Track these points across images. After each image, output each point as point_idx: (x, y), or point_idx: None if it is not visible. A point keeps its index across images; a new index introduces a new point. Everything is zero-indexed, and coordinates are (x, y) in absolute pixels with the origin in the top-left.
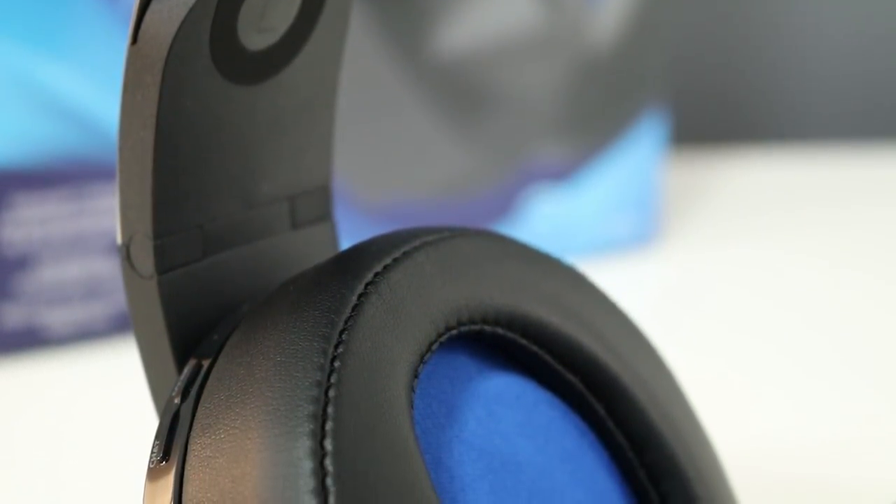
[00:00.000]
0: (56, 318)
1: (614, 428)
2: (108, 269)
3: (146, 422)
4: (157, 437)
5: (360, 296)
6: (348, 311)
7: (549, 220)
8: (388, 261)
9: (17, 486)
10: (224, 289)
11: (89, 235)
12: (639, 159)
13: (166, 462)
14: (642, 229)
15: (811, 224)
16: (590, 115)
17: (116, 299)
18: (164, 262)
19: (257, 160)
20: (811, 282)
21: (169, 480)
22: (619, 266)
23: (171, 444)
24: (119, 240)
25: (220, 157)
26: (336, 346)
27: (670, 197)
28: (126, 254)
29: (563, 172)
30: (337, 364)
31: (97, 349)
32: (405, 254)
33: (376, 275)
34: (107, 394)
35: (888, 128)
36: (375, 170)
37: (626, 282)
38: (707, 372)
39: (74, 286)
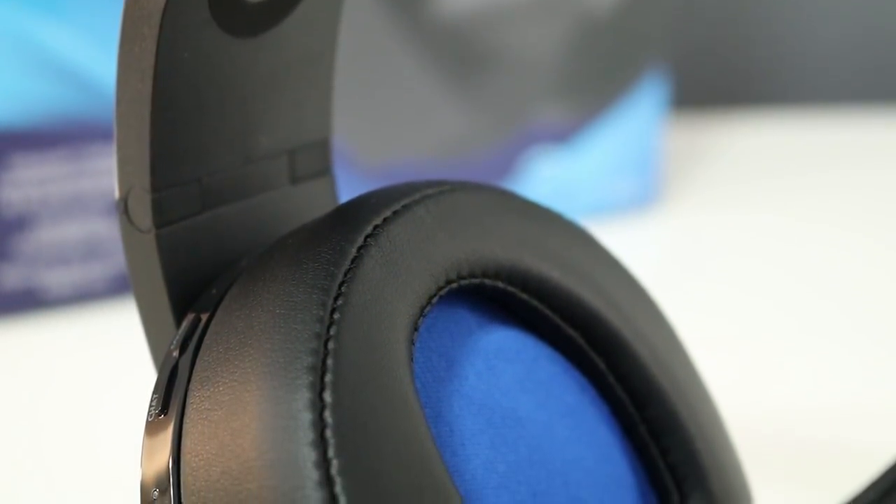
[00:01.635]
0: (54, 279)
1: (615, 383)
2: (107, 229)
3: (145, 382)
4: (155, 391)
5: (360, 248)
6: (347, 263)
7: (549, 182)
8: (387, 213)
9: (17, 447)
10: (223, 243)
11: (88, 196)
12: (639, 122)
13: (165, 415)
14: (642, 192)
15: (812, 187)
16: (590, 78)
17: (115, 260)
18: (162, 216)
19: (256, 114)
20: (811, 244)
21: (167, 433)
22: (619, 228)
23: (169, 398)
24: (117, 194)
25: (219, 110)
26: (335, 299)
27: (671, 160)
28: (124, 208)
29: (563, 134)
30: (336, 316)
31: (96, 310)
32: (405, 207)
33: (376, 227)
34: (106, 355)
35: (890, 91)
36: (375, 131)
37: (625, 244)
38: (706, 334)
39: (73, 247)
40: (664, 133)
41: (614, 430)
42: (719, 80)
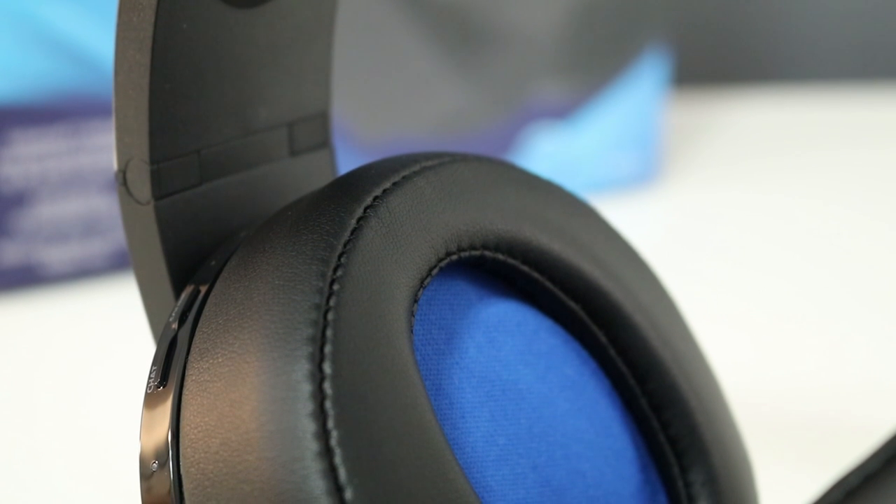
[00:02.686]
0: (54, 255)
1: (616, 356)
2: (106, 206)
3: (144, 357)
4: (154, 363)
5: (360, 219)
6: (347, 234)
7: (549, 159)
8: (387, 185)
9: (16, 423)
10: (222, 215)
11: (87, 172)
12: (640, 98)
13: (164, 387)
14: (643, 168)
15: (812, 164)
16: (591, 54)
17: (114, 237)
18: (161, 188)
19: (255, 86)
20: (811, 221)
21: (167, 405)
22: (619, 204)
23: (168, 370)
24: (115, 165)
25: (218, 81)
26: (335, 270)
27: (672, 137)
28: (123, 179)
29: (564, 111)
30: (336, 287)
31: (95, 286)
32: (405, 178)
33: (375, 199)
34: (105, 330)
35: (892, 68)
36: (375, 107)
37: (625, 220)
38: (705, 310)
39: (72, 223)
40: (665, 110)
41: (615, 403)
42: (720, 57)
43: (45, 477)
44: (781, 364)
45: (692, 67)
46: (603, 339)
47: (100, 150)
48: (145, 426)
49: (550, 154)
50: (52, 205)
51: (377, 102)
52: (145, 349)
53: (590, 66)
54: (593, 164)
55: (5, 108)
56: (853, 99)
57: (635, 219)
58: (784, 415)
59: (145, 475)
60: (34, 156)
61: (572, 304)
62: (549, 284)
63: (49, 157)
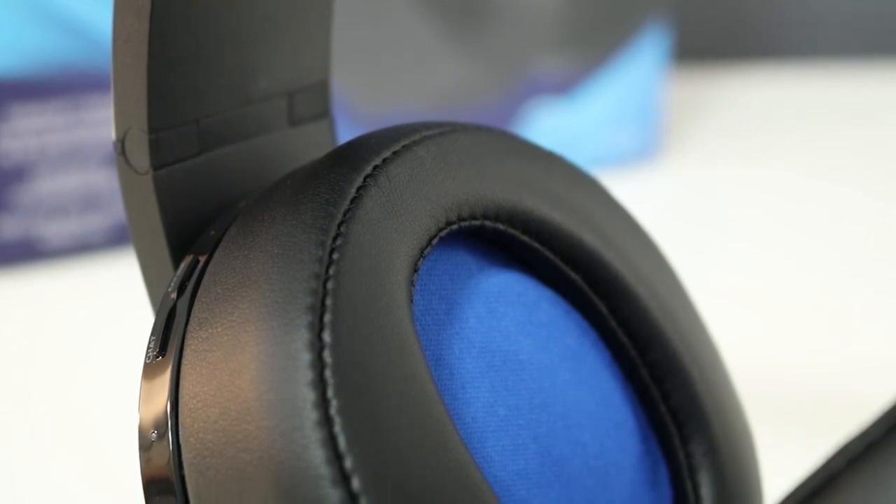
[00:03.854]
0: (53, 229)
1: (616, 326)
2: (106, 180)
3: (143, 332)
4: (153, 333)
5: (359, 188)
6: (347, 203)
7: (549, 134)
8: (387, 154)
9: (15, 396)
10: (221, 186)
11: (86, 146)
12: (640, 73)
13: (163, 357)
14: (643, 144)
15: (813, 141)
16: (592, 28)
17: (113, 211)
18: (160, 157)
19: (254, 55)
20: (812, 198)
21: (165, 375)
22: (620, 180)
23: (167, 340)
24: (114, 135)
25: (217, 50)
26: (334, 239)
27: (672, 113)
28: (121, 149)
29: (564, 86)
30: (335, 256)
31: (94, 261)
32: (405, 147)
33: (375, 167)
34: (104, 305)
35: (893, 45)
36: (375, 81)
37: (626, 195)
38: (704, 286)
39: (71, 198)
40: (665, 85)
41: (615, 374)
42: (721, 33)
43: (44, 451)
44: (782, 338)
45: (693, 43)
46: (603, 309)
47: (99, 124)
48: (144, 397)
49: (550, 129)
50: (52, 179)
51: (377, 76)
52: (145, 323)
53: (590, 42)
54: (593, 139)
55: (4, 82)
56: (855, 75)
57: (635, 194)
58: (785, 389)
59: (144, 446)
60: (33, 130)
61: (573, 275)
62: (549, 254)
63: (48, 131)
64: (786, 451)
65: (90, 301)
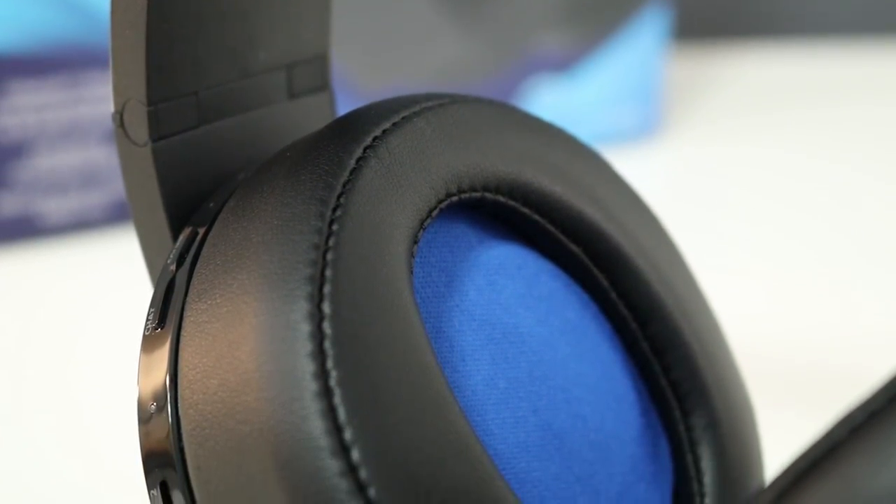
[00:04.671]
0: (52, 206)
1: (617, 299)
2: (105, 157)
3: (142, 309)
4: (152, 305)
5: (359, 160)
6: (346, 174)
7: (550, 111)
8: (387, 125)
9: (15, 374)
10: (220, 158)
11: (86, 123)
12: (641, 51)
13: (162, 329)
14: (643, 122)
15: (814, 121)
16: (592, 6)
17: (113, 188)
18: (159, 129)
19: (254, 27)
20: (813, 178)
21: (164, 347)
22: (620, 157)
23: (166, 311)
24: (113, 107)
25: (216, 22)
26: (334, 210)
27: (673, 91)
28: (120, 121)
29: (564, 63)
30: (335, 227)
31: (93, 238)
32: (405, 118)
33: (375, 139)
34: (103, 282)
35: (894, 23)
36: (374, 58)
37: (626, 173)
38: (704, 261)
39: (71, 175)
40: (666, 64)
41: (616, 347)
42: (723, 11)
43: (43, 429)
44: (782, 314)
45: (694, 21)
46: (604, 282)
47: (98, 100)
48: (143, 369)
49: (550, 106)
50: (51, 156)
51: (377, 52)
52: (144, 300)
53: (591, 19)
54: (593, 116)
55: (3, 59)
56: (856, 54)
57: (635, 172)
58: (786, 364)
59: (143, 419)
60: (32, 106)
61: (573, 247)
62: (550, 227)
63: (47, 107)
64: (786, 425)
65: (89, 278)
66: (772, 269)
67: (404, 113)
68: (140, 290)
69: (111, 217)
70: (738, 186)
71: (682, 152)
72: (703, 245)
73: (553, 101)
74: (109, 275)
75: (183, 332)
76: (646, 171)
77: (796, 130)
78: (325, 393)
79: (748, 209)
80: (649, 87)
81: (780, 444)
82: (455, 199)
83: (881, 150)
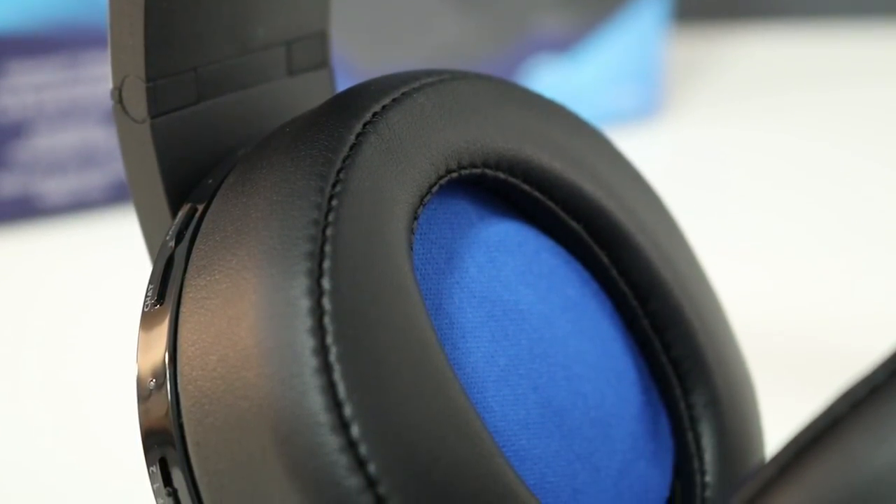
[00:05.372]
0: (51, 186)
1: (618, 276)
2: (104, 137)
3: (142, 289)
4: (150, 281)
5: (359, 135)
6: (346, 150)
7: (550, 92)
8: (386, 101)
9: (14, 353)
10: (219, 135)
11: (85, 103)
12: (641, 31)
13: (161, 305)
14: (644, 102)
15: (816, 103)
16: None
17: (112, 168)
18: (158, 106)
19: (253, 3)
20: (813, 160)
21: (164, 324)
22: (620, 138)
23: (165, 288)
24: (111, 83)
25: None
26: (333, 185)
27: (674, 72)
28: (118, 97)
29: (565, 43)
30: (334, 203)
31: (92, 218)
32: (404, 94)
33: (375, 115)
34: (102, 262)
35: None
36: (374, 38)
37: (626, 154)
38: (704, 243)
39: (69, 155)
40: (667, 44)
41: (616, 324)
42: None
43: (42, 408)
44: (782, 294)
45: (696, 2)
46: (605, 259)
47: (97, 80)
48: (142, 346)
49: (551, 87)
50: (50, 136)
51: (376, 33)
52: (143, 280)
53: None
54: (594, 97)
55: (2, 38)
56: (857, 36)
57: (635, 153)
58: (786, 344)
59: (143, 396)
60: (31, 86)
61: (574, 224)
62: (550, 204)
63: (46, 87)
64: (784, 405)
65: (88, 258)
66: (771, 251)
67: (404, 89)
68: (139, 271)
69: (110, 197)
70: (739, 168)
71: (682, 134)
72: (702, 227)
73: (553, 82)
74: (108, 255)
75: (182, 309)
76: (646, 152)
77: (797, 112)
78: (325, 369)
79: (748, 191)
80: (650, 68)
81: (778, 423)
82: (455, 175)
83: (883, 132)
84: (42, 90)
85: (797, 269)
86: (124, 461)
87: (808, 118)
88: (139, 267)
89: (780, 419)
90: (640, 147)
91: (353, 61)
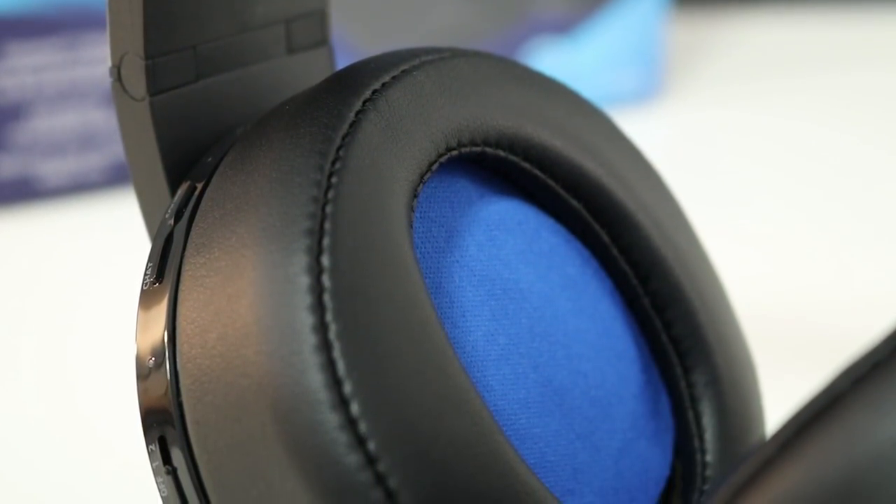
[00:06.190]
0: (50, 168)
1: (618, 255)
2: (103, 119)
3: (141, 271)
4: (149, 260)
5: (358, 112)
6: (346, 127)
7: (550, 74)
8: (386, 78)
9: (13, 335)
10: (218, 113)
11: (84, 85)
12: (642, 14)
13: (160, 284)
14: (645, 85)
15: (815, 85)
16: None
17: (111, 150)
18: (157, 84)
19: None
20: (814, 141)
21: (163, 302)
22: (620, 120)
23: (164, 266)
24: (110, 61)
25: None
26: (333, 163)
27: (675, 55)
28: (117, 75)
29: (565, 25)
30: (334, 180)
31: (92, 200)
32: (404, 72)
33: (374, 92)
34: (101, 244)
35: None
36: (374, 19)
37: None
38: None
39: (69, 136)
40: (668, 27)
41: (617, 303)
42: None
43: (41, 390)
44: (781, 276)
45: None
46: (605, 238)
47: (97, 62)
48: (141, 325)
49: (551, 69)
50: (49, 118)
51: (376, 14)
52: (142, 263)
53: None
54: (594, 79)
55: (1, 20)
56: (859, 18)
57: (635, 135)
58: (786, 327)
59: (142, 375)
60: (30, 68)
61: (574, 203)
62: (550, 182)
63: (45, 69)
64: (785, 385)
65: (87, 240)
66: (771, 233)
67: (404, 66)
68: (138, 253)
69: (109, 179)
70: (738, 151)
71: (682, 116)
72: (701, 209)
73: (553, 64)
74: (108, 237)
75: (181, 287)
76: (646, 134)
77: (798, 95)
78: (325, 346)
79: (748, 174)
80: (650, 50)
81: (778, 404)
82: (455, 153)
83: (884, 116)
84: (41, 72)
85: (797, 251)
86: (124, 444)
87: (809, 101)
88: (138, 249)
89: (779, 400)
90: (640, 129)
91: (353, 42)
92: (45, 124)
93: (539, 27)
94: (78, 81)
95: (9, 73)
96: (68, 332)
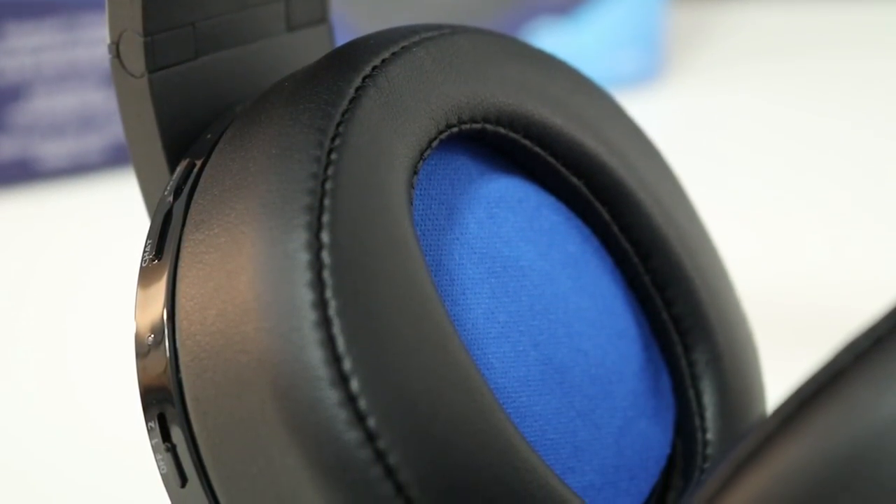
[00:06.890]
0: (49, 149)
1: (619, 233)
2: (103, 100)
3: (140, 252)
4: (149, 237)
5: (358, 89)
6: (345, 103)
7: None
8: (386, 55)
9: (13, 317)
10: (217, 91)
11: (83, 66)
12: None
13: (159, 260)
14: (645, 67)
15: (814, 69)
16: None
17: (110, 131)
18: (155, 61)
19: None
20: (812, 125)
21: (162, 279)
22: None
23: (163, 243)
24: (108, 38)
25: None
26: (333, 139)
27: (675, 37)
28: (116, 52)
29: (566, 7)
30: (334, 156)
31: (91, 181)
32: (404, 48)
33: (374, 68)
34: (101, 226)
35: None
36: (374, 1)
37: None
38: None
39: (68, 117)
40: (668, 9)
41: (617, 281)
42: None
43: (42, 373)
44: (780, 258)
45: None
46: (606, 216)
47: (96, 43)
48: (140, 302)
49: (551, 50)
50: (48, 98)
51: None
52: (142, 243)
53: None
54: (594, 61)
55: (0, 0)
56: (859, 3)
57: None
58: (786, 308)
59: (141, 353)
60: (29, 48)
61: (574, 181)
62: (551, 160)
63: (44, 49)
64: (785, 365)
65: (87, 222)
66: (770, 215)
67: (404, 43)
68: (138, 234)
69: (109, 160)
70: (738, 133)
71: (682, 98)
72: (701, 191)
73: (554, 46)
74: (107, 218)
75: (180, 264)
76: (646, 116)
77: (798, 78)
78: (324, 322)
79: (748, 156)
80: (651, 32)
81: (778, 384)
82: (455, 130)
83: (883, 100)
84: (40, 52)
85: (795, 232)
86: (125, 423)
87: (809, 84)
88: (138, 229)
89: (779, 380)
90: (640, 111)
91: (353, 23)
92: (45, 105)
93: (540, 9)
94: (77, 62)
95: (8, 54)
96: (68, 313)
